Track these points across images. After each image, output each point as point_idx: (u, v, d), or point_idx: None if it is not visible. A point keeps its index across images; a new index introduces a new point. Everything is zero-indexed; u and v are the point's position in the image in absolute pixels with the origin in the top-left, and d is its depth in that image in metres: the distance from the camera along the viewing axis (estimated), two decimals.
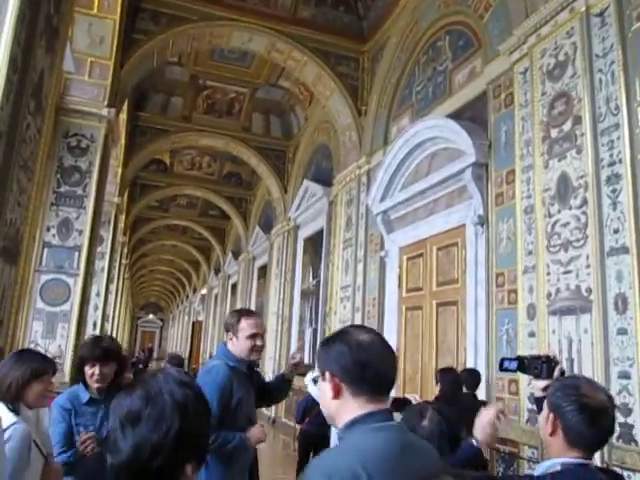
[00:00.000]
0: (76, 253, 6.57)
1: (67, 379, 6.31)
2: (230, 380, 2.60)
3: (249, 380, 2.81)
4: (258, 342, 2.76)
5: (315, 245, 10.90)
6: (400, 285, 6.99)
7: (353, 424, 1.25)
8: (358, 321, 7.79)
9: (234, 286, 18.76)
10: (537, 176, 4.45)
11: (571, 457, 1.62)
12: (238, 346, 2.75)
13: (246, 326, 2.75)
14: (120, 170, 10.93)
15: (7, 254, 3.23)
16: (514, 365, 2.27)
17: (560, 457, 1.64)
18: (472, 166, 5.39)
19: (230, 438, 2.53)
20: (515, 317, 4.61)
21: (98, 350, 2.66)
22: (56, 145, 6.63)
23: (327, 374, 1.32)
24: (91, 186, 6.73)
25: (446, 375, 4.35)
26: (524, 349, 4.34)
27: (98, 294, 9.60)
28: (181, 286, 34.72)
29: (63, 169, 6.72)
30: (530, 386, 3.45)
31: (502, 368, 2.38)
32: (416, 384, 6.29)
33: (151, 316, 46.60)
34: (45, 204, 6.53)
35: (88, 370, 2.66)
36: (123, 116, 9.86)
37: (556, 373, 2.14)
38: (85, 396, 2.69)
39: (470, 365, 5.18)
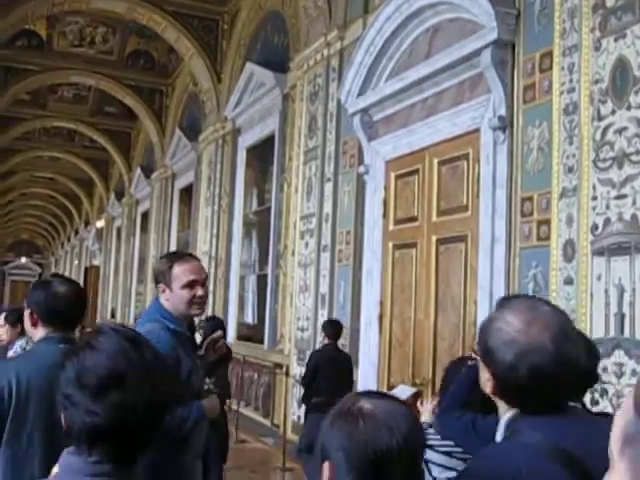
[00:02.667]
0: None
1: None
2: (175, 349, 2.76)
3: (194, 345, 3.05)
4: (199, 292, 2.93)
5: (263, 158, 10.85)
6: (386, 214, 7.08)
7: (39, 342, 2.62)
8: (327, 264, 7.89)
9: (145, 216, 18.65)
10: (584, 61, 4.49)
11: None
12: (173, 300, 2.91)
13: (180, 273, 2.91)
14: None
15: None
16: None
17: None
18: (492, 45, 5.39)
19: (186, 414, 2.73)
20: (547, 258, 4.75)
21: None
22: None
23: (27, 310, 2.66)
24: None
25: None
26: (559, 302, 4.49)
27: None
28: (67, 217, 34.26)
29: None
30: None
31: None
32: (406, 351, 6.48)
33: (24, 260, 46.09)
34: None
35: None
36: None
37: None
38: None
39: None
